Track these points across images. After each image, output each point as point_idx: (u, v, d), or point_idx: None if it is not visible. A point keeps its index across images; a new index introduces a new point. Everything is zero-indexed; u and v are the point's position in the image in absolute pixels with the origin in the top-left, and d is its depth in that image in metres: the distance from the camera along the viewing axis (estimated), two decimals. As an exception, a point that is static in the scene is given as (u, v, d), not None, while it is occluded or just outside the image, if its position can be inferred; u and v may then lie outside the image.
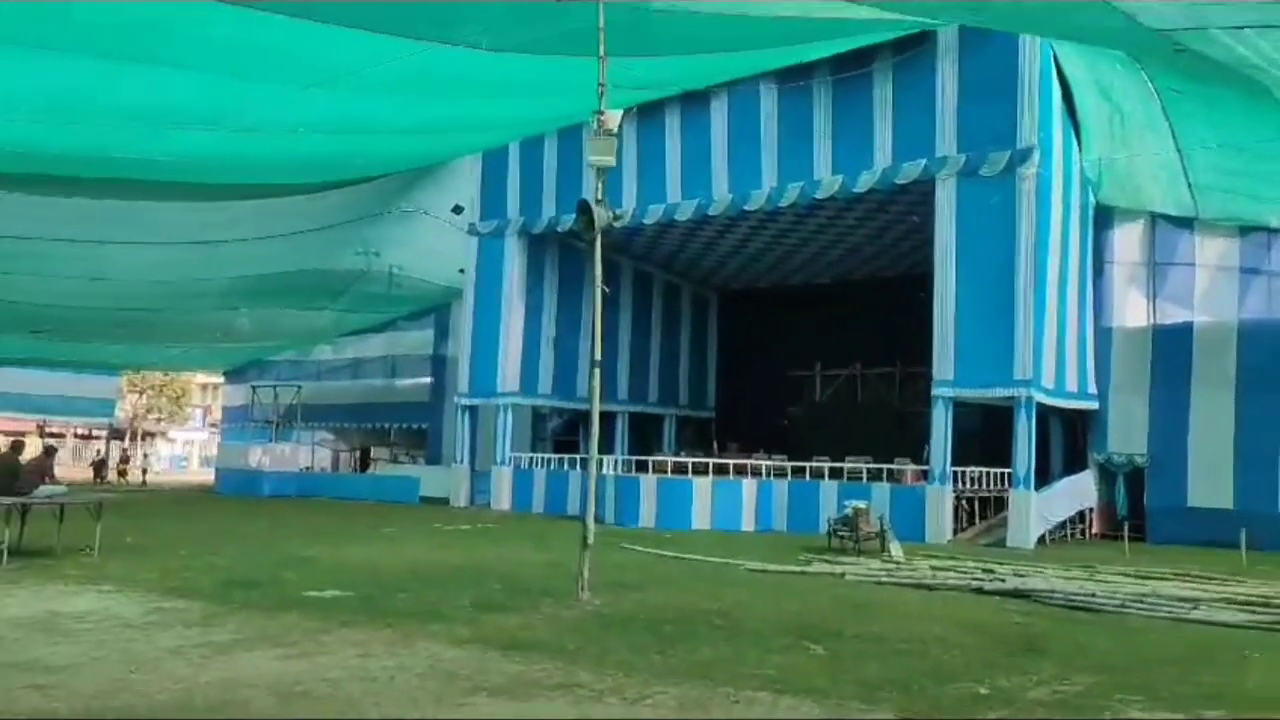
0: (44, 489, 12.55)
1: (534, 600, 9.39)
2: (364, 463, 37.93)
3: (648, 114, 21.67)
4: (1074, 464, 20.82)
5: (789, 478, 20.65)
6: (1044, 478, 19.14)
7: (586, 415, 10.16)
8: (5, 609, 8.32)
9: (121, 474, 39.66)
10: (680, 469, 22.01)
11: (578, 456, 24.22)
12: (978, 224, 18.29)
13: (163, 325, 31.61)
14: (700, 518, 19.94)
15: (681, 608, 9.19)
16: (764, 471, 21.02)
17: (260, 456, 32.56)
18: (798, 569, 12.77)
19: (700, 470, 21.40)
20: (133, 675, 6.02)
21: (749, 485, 20.53)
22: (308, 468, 34.43)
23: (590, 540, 9.60)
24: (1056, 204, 18.70)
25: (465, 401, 26.08)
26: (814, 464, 20.54)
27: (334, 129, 17.37)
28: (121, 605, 8.67)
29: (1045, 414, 19.22)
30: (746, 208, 21.49)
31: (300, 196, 21.75)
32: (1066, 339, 19.35)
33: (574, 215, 10.64)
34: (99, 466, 39.84)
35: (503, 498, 24.47)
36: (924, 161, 18.82)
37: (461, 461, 25.99)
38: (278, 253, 25.10)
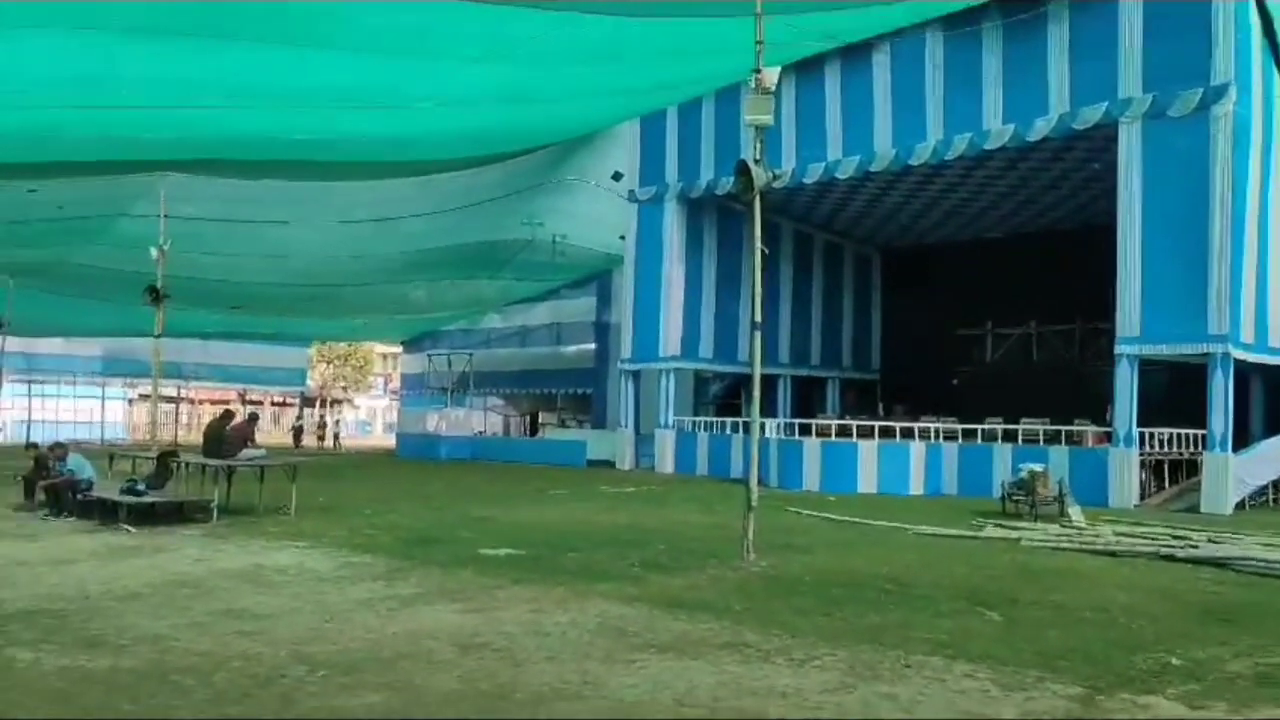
0: (246, 453, 13.58)
1: (699, 561, 9.48)
2: (533, 427, 39.10)
3: (807, 70, 21.21)
4: (1278, 425, 19.23)
5: (959, 440, 20.00)
6: (1243, 440, 17.78)
7: (748, 379, 10.11)
8: (217, 562, 9.08)
9: (320, 438, 42.47)
10: (844, 432, 21.66)
11: (740, 420, 24.20)
12: (1166, 168, 17.03)
13: (345, 299, 33.48)
14: (865, 481, 19.61)
15: (848, 571, 9.08)
16: (932, 434, 20.42)
17: (437, 422, 34.09)
18: (970, 534, 12.38)
19: (865, 433, 21.00)
20: (327, 625, 6.46)
21: (917, 448, 20.01)
22: (480, 432, 35.84)
23: (754, 503, 9.60)
24: (1256, 144, 17.16)
25: (628, 366, 26.47)
26: (986, 426, 19.81)
27: (498, 100, 17.82)
28: (315, 560, 9.30)
29: (1245, 371, 17.81)
30: (911, 162, 20.74)
31: (466, 171, 22.48)
32: (1269, 291, 17.83)
33: (732, 177, 10.54)
34: (298, 432, 42.84)
35: (667, 461, 24.77)
36: (1105, 105, 17.62)
37: (626, 426, 26.43)
38: (446, 227, 26.08)
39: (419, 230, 25.74)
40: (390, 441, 42.09)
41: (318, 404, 57.30)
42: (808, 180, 22.35)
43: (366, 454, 36.77)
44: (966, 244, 28.80)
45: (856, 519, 13.75)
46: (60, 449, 13.83)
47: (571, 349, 36.09)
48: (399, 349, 49.35)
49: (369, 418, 67.99)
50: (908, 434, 20.68)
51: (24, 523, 12.06)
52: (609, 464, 26.46)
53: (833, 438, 21.35)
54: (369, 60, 14.63)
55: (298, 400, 52.51)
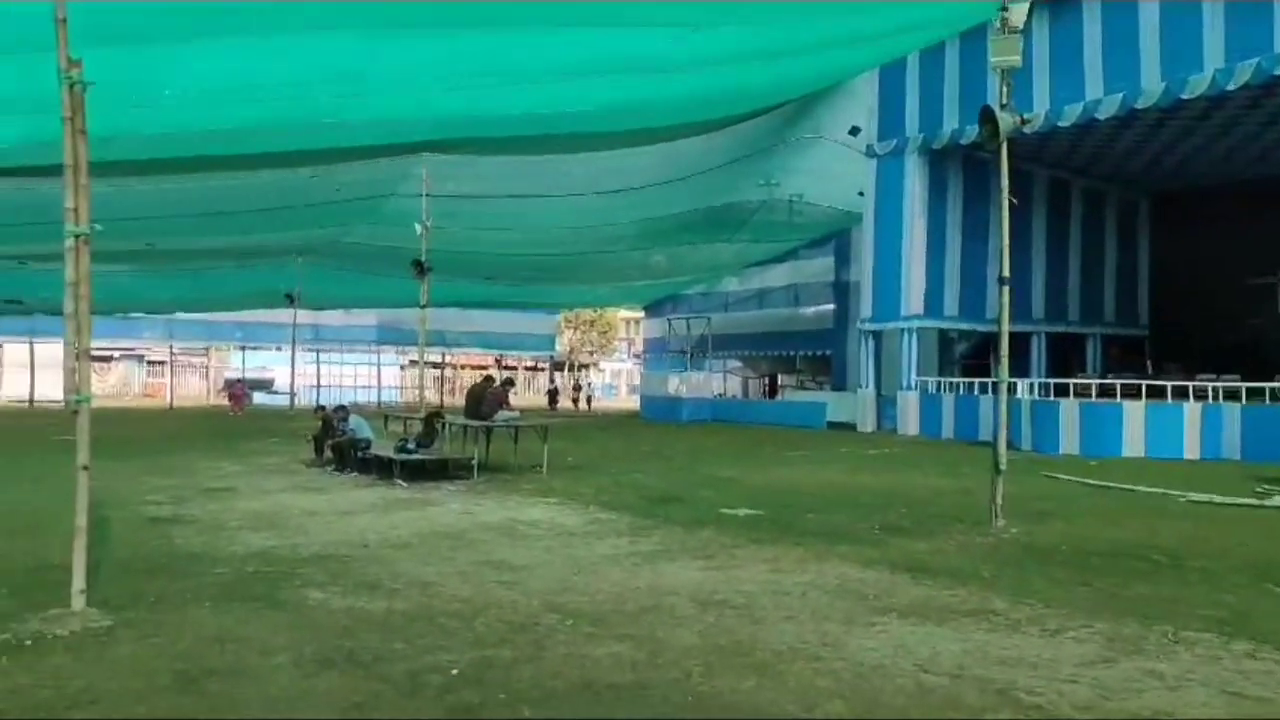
0: (502, 414, 14.49)
1: (944, 526, 9.19)
2: (772, 389, 39.10)
3: (1060, 4, 19.64)
4: None
5: (1244, 401, 18.09)
6: None
7: (997, 337, 9.61)
8: (477, 515, 9.77)
9: (575, 401, 44.65)
10: (1106, 392, 20.13)
11: (988, 380, 23.06)
12: None
13: (588, 267, 34.71)
14: (1131, 445, 18.17)
15: (1110, 540, 8.49)
16: (1210, 394, 18.58)
17: (677, 384, 34.81)
18: (1255, 502, 11.22)
19: (1131, 393, 19.42)
20: (575, 577, 6.81)
21: (1191, 409, 18.28)
22: (720, 394, 36.25)
23: (1003, 466, 9.16)
24: None
25: (868, 326, 25.84)
26: (1277, 385, 17.83)
27: (735, 60, 17.73)
28: (565, 516, 9.80)
29: None
30: (1184, 96, 18.74)
31: (702, 136, 22.58)
32: None
33: (977, 125, 9.98)
34: (553, 395, 45.13)
35: (910, 423, 24.05)
36: None
37: (866, 387, 25.88)
38: (684, 192, 26.35)
39: (658, 197, 26.18)
40: (634, 404, 43.42)
41: (566, 368, 60.02)
42: (1063, 123, 20.75)
43: (612, 416, 38.13)
44: (1255, 183, 25.80)
45: (1120, 485, 12.81)
46: (343, 411, 15.28)
47: (810, 310, 35.66)
48: (641, 314, 50.69)
49: (613, 381, 70.46)
50: (1180, 394, 18.94)
51: (314, 477, 13.46)
52: (849, 426, 26.05)
53: (1093, 398, 19.92)
54: (613, 33, 14.96)
55: (548, 365, 55.20)
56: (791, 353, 37.61)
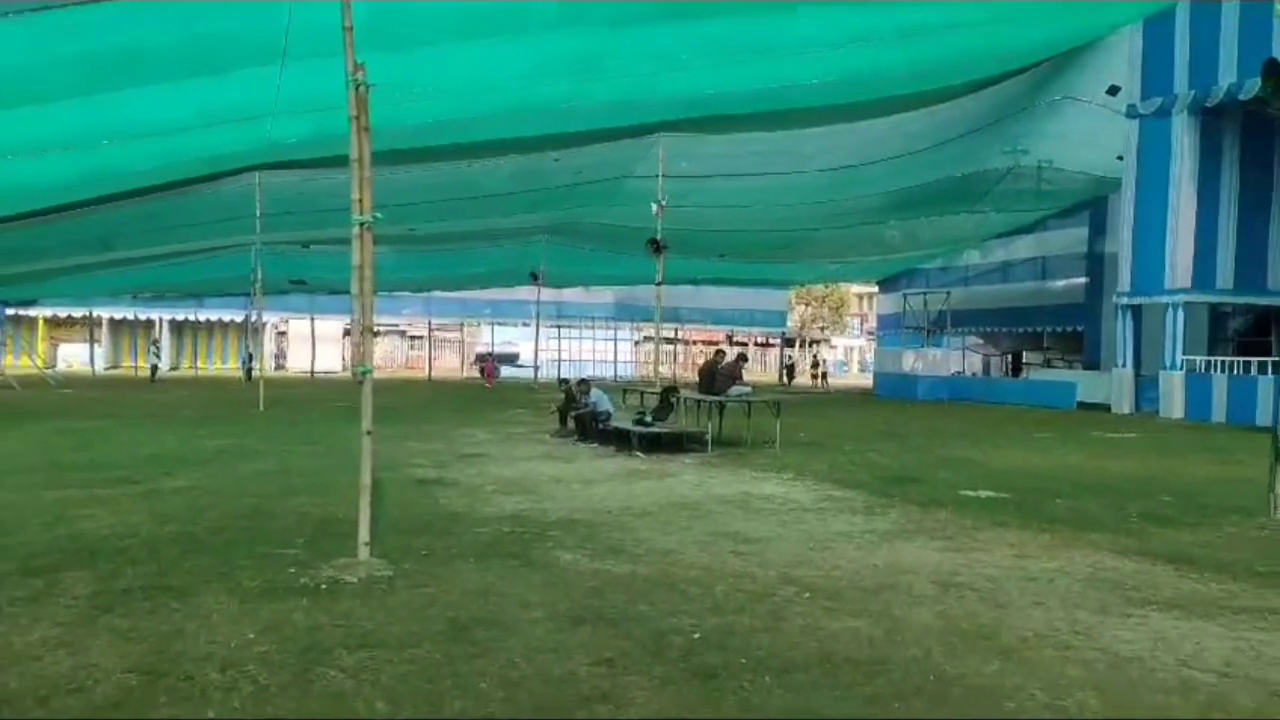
0: (735, 389, 14.68)
1: (1213, 516, 8.50)
2: (1015, 367, 37.26)
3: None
4: None
5: None
6: None
7: (1279, 311, 8.75)
8: (711, 488, 10.01)
9: (813, 377, 44.47)
10: None
11: (1270, 360, 20.93)
12: None
13: (821, 242, 34.30)
14: None
15: None
16: None
17: (913, 361, 33.87)
18: None
19: None
20: (811, 552, 6.86)
21: None
22: (958, 372, 34.91)
23: (1285, 454, 8.35)
24: None
25: (1127, 300, 24.03)
26: None
27: (975, 24, 16.97)
28: (797, 491, 9.85)
29: None
30: None
31: (942, 105, 21.73)
32: None
33: (1259, 79, 9.05)
34: (790, 370, 45.00)
35: (1174, 405, 22.20)
36: None
37: (1123, 365, 24.12)
38: (921, 163, 25.49)
39: (894, 169, 25.48)
40: (866, 381, 42.56)
41: (797, 344, 59.62)
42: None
43: (844, 393, 37.57)
44: None
45: None
46: (585, 385, 16.00)
47: (1059, 283, 33.61)
48: (874, 289, 49.53)
49: (845, 357, 69.30)
50: None
51: (558, 446, 14.20)
52: (1103, 407, 24.41)
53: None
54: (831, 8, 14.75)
55: (779, 340, 55.08)
56: (1038, 329, 35.66)
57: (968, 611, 5.30)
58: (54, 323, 45.43)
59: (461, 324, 51.45)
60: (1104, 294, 28.35)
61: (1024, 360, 37.16)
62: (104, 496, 8.59)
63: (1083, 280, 31.73)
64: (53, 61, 10.26)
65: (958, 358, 36.91)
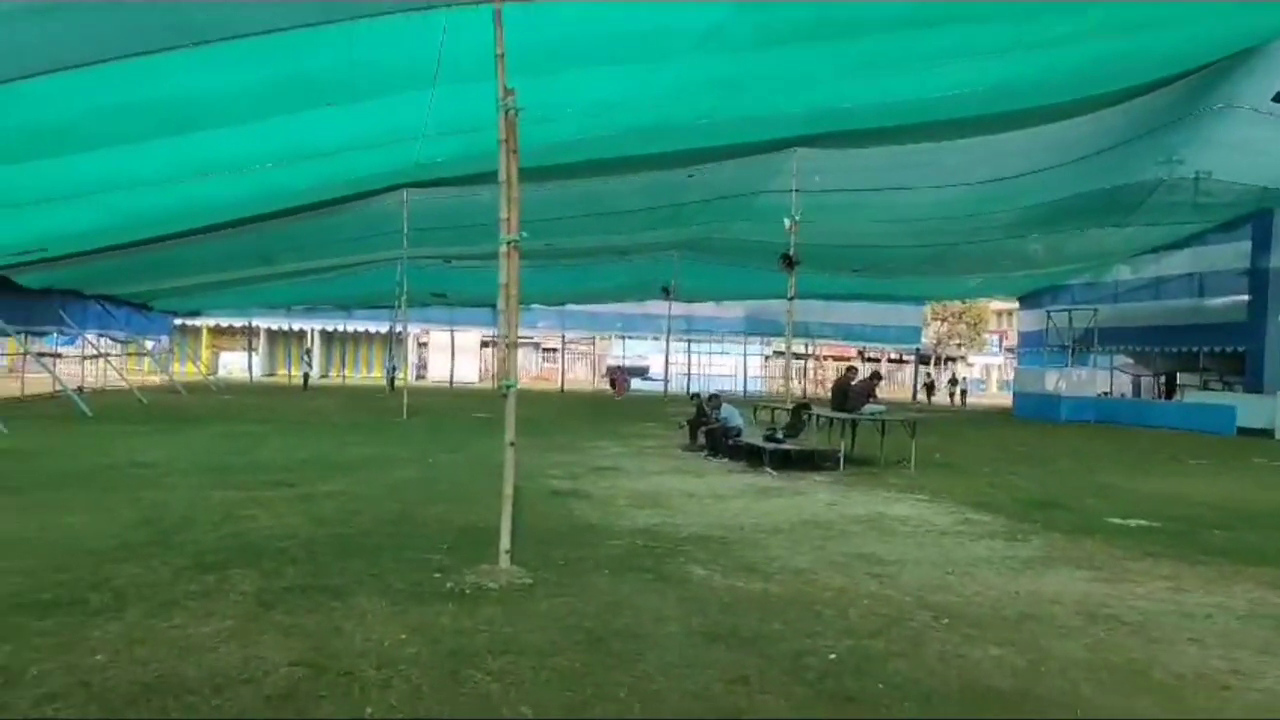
0: (869, 407, 14.45)
1: (1393, 556, 7.92)
2: (1169, 389, 35.37)
3: None
4: None
5: None
6: None
7: None
8: (845, 507, 9.90)
9: (951, 395, 43.42)
10: None
11: None
12: None
13: (959, 257, 33.34)
14: None
15: None
16: None
17: (1056, 381, 32.55)
18: None
19: None
20: (949, 576, 6.73)
21: None
22: (1105, 393, 33.40)
23: None
24: None
25: (1296, 320, 22.50)
26: None
27: (1124, 28, 16.24)
28: (934, 513, 9.64)
29: None
30: None
31: (1087, 116, 20.88)
32: None
33: None
34: (929, 388, 43.98)
35: (1349, 432, 20.66)
36: None
37: (1291, 389, 22.61)
38: (1065, 176, 24.53)
39: (1037, 182, 24.59)
40: (1005, 400, 41.12)
41: (932, 361, 58.09)
42: None
43: (982, 412, 36.43)
44: None
45: None
46: (716, 400, 16.04)
47: (1218, 301, 31.67)
48: (1015, 305, 47.78)
49: (983, 375, 67.06)
50: None
51: (688, 461, 14.28)
52: (1266, 433, 22.98)
53: None
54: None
55: (913, 357, 53.79)
56: (1194, 348, 33.69)
57: (1117, 645, 5.12)
58: (216, 332, 48.36)
59: (594, 337, 52.24)
60: (1268, 312, 26.69)
61: (1178, 381, 35.20)
62: (263, 498, 9.14)
63: (1245, 297, 29.88)
64: (228, 89, 11.00)
65: (1105, 378, 35.27)
